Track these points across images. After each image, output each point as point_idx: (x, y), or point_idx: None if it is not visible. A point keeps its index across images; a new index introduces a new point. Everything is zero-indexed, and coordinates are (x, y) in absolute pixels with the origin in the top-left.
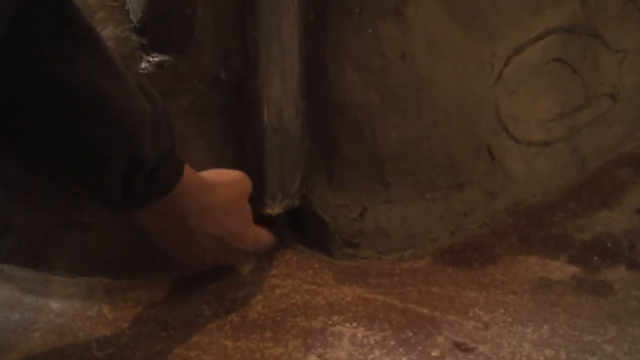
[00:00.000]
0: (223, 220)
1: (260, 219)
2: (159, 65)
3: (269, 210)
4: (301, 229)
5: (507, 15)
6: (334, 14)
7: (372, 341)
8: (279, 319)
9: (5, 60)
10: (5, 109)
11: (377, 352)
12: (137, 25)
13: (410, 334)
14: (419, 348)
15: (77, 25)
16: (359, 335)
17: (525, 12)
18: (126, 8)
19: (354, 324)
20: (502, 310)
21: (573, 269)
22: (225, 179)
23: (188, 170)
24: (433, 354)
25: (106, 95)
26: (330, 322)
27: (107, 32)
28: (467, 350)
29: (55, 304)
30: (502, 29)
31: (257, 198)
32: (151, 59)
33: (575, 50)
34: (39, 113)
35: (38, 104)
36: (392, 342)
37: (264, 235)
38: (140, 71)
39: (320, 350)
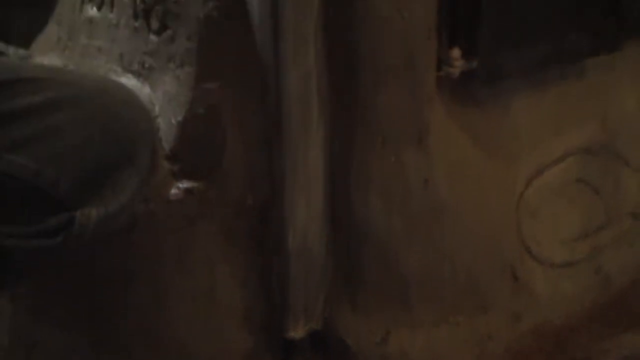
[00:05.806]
0: None
1: (284, 343)
2: (189, 191)
3: (292, 334)
4: (324, 351)
5: (527, 139)
6: (358, 143)
7: None
8: None
9: None
10: None
11: None
12: (169, 153)
13: None
14: None
15: None
16: None
17: (545, 135)
18: (159, 136)
19: None
20: None
21: None
22: None
23: None
24: None
25: None
26: None
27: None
28: None
29: None
30: (523, 153)
31: (280, 321)
32: (181, 185)
33: (595, 171)
34: None
35: None
36: None
37: None
38: (170, 197)
39: None
